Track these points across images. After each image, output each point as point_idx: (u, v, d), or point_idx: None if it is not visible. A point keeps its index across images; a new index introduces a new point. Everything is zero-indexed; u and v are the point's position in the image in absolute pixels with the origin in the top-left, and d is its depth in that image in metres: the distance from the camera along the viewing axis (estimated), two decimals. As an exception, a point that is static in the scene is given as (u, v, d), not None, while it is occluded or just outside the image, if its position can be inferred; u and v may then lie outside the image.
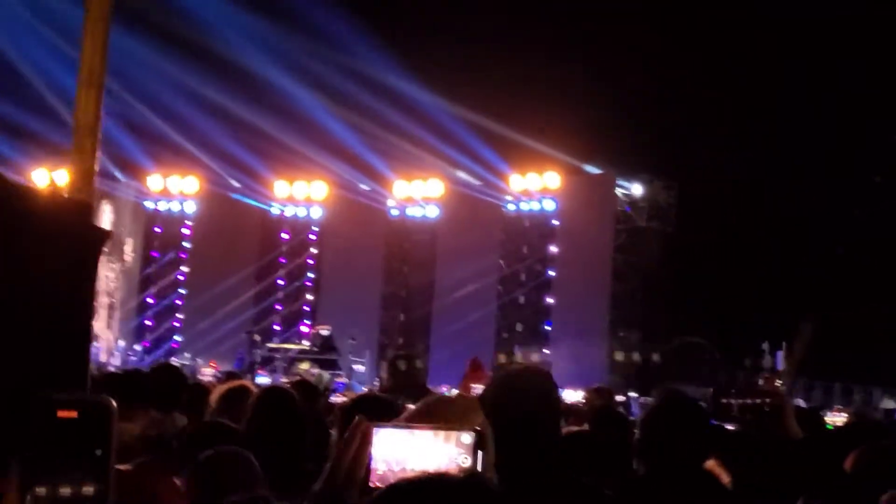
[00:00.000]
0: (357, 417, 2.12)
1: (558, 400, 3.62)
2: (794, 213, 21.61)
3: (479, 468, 2.09)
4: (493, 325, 24.39)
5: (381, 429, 2.11)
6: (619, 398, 14.97)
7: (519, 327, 24.37)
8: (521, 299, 24.52)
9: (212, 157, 25.80)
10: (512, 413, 3.18)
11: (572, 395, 9.45)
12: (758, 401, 4.53)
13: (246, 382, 6.01)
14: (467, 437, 2.11)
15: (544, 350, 23.95)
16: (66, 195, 2.69)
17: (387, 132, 22.90)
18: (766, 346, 21.52)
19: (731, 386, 15.33)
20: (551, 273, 24.41)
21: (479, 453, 2.11)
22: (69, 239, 2.71)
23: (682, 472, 3.73)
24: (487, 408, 3.03)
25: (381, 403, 4.43)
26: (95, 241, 2.82)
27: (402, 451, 2.09)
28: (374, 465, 2.08)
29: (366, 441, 2.08)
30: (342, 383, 13.09)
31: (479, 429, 2.14)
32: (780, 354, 21.52)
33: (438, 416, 2.59)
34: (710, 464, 3.92)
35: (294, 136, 23.95)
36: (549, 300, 24.30)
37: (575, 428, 5.51)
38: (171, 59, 22.95)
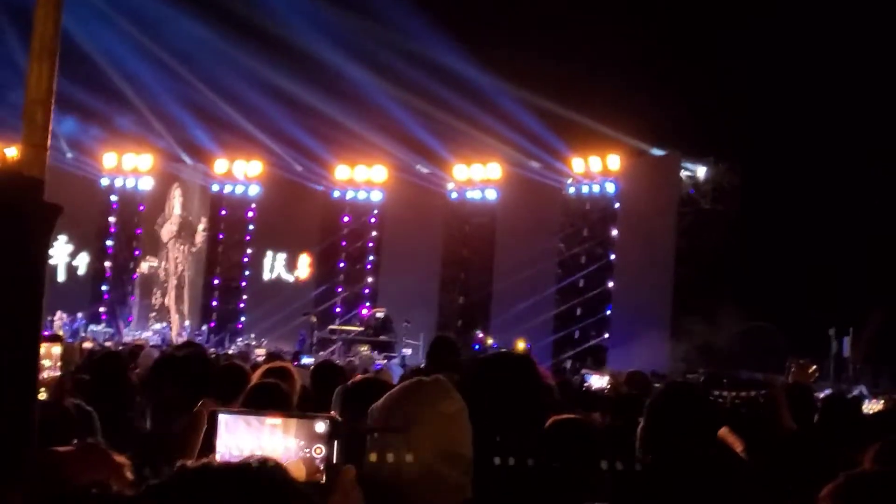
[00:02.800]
0: (201, 402, 2.08)
1: (537, 384, 3.56)
2: (862, 196, 21.07)
3: (334, 458, 2.05)
4: (552, 308, 24.23)
5: (226, 415, 2.06)
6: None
7: (579, 311, 24.16)
8: (581, 283, 24.29)
9: (275, 141, 26.11)
10: (488, 397, 3.14)
11: (598, 381, 9.20)
12: (752, 393, 4.41)
13: (285, 364, 5.97)
14: (321, 426, 2.07)
15: (605, 335, 23.80)
16: (14, 171, 2.69)
17: (446, 115, 22.86)
18: (832, 332, 21.07)
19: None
20: (612, 256, 24.16)
21: (335, 442, 2.06)
22: (16, 216, 2.73)
23: (686, 460, 3.65)
24: (465, 392, 3.01)
25: (376, 386, 4.42)
26: (45, 218, 2.84)
27: (245, 438, 2.04)
28: (218, 451, 2.04)
29: (197, 426, 2.04)
30: (379, 364, 13.14)
31: (335, 416, 2.08)
32: (846, 340, 21.06)
33: (407, 401, 2.56)
34: (723, 431, 3.83)
35: (355, 120, 24.10)
36: (610, 284, 24.05)
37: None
38: (237, 44, 23.24)
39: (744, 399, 4.47)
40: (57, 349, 3.29)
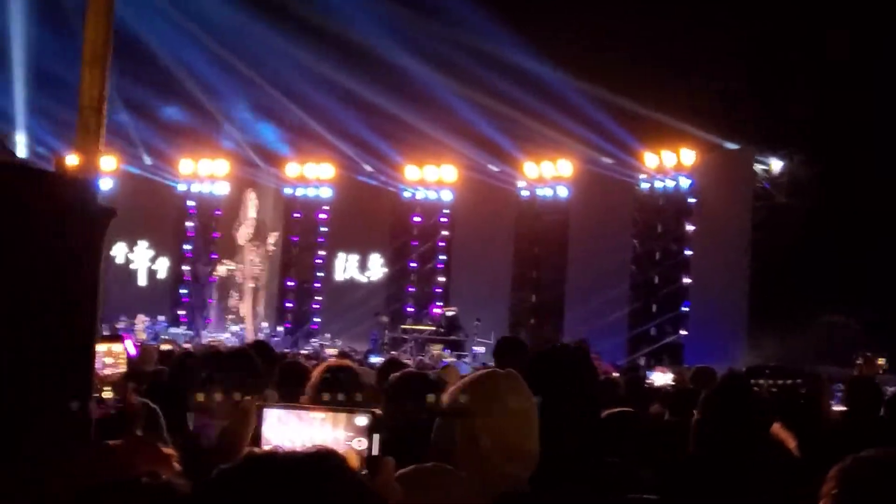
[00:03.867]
0: (245, 398, 2.15)
1: (592, 378, 3.56)
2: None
3: (374, 451, 2.11)
4: (626, 305, 24.04)
5: (272, 409, 2.14)
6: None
7: (654, 308, 23.95)
8: (656, 279, 24.07)
9: (346, 143, 26.35)
10: (544, 390, 3.15)
11: (661, 378, 9.05)
12: (789, 382, 4.35)
13: (344, 362, 6.06)
14: (363, 419, 2.13)
15: (682, 331, 23.55)
16: (69, 175, 2.76)
17: (516, 112, 22.81)
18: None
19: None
20: (687, 252, 23.89)
21: (375, 436, 2.12)
22: (71, 219, 2.81)
23: (737, 453, 3.64)
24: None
25: (424, 381, 4.47)
26: (99, 221, 2.92)
27: (293, 432, 2.12)
28: (264, 445, 2.11)
29: (246, 420, 2.10)
30: (446, 362, 13.12)
31: (376, 411, 2.14)
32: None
33: (477, 391, 2.61)
34: (775, 427, 3.80)
35: (424, 120, 24.17)
36: (686, 280, 23.78)
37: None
38: (307, 48, 23.48)
39: (781, 388, 4.41)
40: (118, 347, 3.40)
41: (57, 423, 2.65)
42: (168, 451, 2.65)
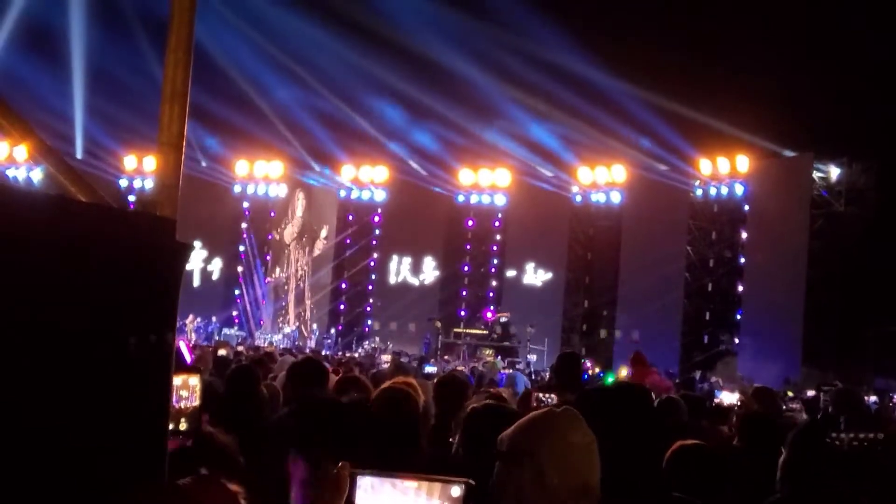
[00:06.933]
0: (340, 463, 2.11)
1: (654, 417, 3.53)
2: None
3: None
4: (679, 312, 23.84)
5: (364, 477, 2.10)
6: (810, 393, 14.36)
7: (707, 315, 23.71)
8: (710, 286, 23.84)
9: (400, 146, 26.42)
10: (604, 432, 3.14)
11: (729, 398, 8.87)
12: (871, 435, 4.27)
13: (408, 381, 5.98)
14: (457, 490, 2.07)
15: (735, 339, 23.30)
16: (145, 211, 2.80)
17: (571, 118, 22.71)
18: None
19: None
20: (742, 259, 23.64)
21: None
22: (147, 256, 2.85)
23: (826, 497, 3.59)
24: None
25: (503, 417, 4.43)
26: (176, 258, 2.96)
27: (384, 501, 2.07)
28: None
29: (340, 488, 2.07)
30: (504, 374, 12.91)
31: (470, 481, 2.09)
32: None
33: (535, 430, 2.60)
34: None
35: (478, 125, 24.16)
36: (740, 288, 23.53)
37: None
38: (362, 52, 23.57)
39: (861, 441, 4.32)
40: (194, 380, 3.40)
41: (129, 459, 2.70)
42: (236, 488, 2.66)
